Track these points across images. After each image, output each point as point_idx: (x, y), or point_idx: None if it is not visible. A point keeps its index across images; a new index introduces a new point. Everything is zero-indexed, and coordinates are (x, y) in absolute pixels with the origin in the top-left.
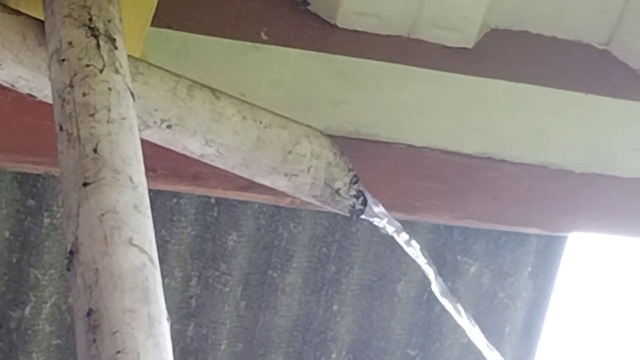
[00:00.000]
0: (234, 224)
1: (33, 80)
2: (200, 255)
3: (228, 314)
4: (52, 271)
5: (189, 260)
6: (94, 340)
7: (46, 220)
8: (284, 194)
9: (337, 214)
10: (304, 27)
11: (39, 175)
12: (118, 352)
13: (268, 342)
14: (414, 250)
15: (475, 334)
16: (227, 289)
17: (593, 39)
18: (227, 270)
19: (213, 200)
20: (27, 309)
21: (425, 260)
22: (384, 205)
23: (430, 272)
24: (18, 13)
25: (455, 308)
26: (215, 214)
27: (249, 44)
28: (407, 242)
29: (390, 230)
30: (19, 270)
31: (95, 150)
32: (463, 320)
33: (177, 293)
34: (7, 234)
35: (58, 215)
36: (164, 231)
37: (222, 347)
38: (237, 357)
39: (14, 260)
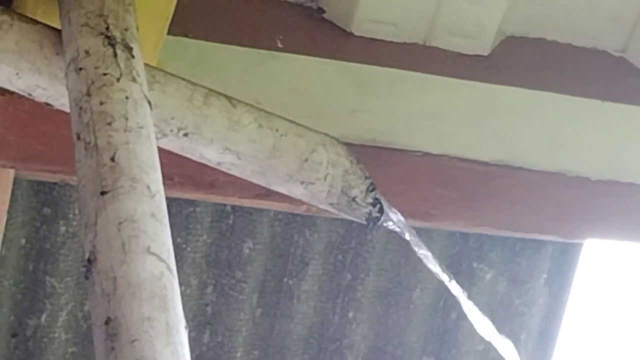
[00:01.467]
0: (249, 232)
1: (50, 89)
2: (216, 263)
3: (244, 322)
4: (68, 279)
5: (205, 268)
6: (113, 349)
7: (62, 229)
8: (300, 202)
9: (352, 221)
10: (320, 35)
11: (55, 183)
12: None
13: (284, 350)
14: (429, 260)
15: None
16: (243, 297)
17: (609, 46)
18: (243, 278)
19: (229, 208)
20: (43, 317)
21: (440, 269)
22: (400, 213)
23: (445, 279)
24: (35, 22)
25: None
26: (231, 222)
27: (265, 52)
28: (424, 252)
29: (408, 237)
30: (35, 278)
31: (112, 159)
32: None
33: (193, 301)
34: (23, 241)
35: (74, 223)
36: (179, 239)
37: (238, 354)
38: None
39: (30, 268)
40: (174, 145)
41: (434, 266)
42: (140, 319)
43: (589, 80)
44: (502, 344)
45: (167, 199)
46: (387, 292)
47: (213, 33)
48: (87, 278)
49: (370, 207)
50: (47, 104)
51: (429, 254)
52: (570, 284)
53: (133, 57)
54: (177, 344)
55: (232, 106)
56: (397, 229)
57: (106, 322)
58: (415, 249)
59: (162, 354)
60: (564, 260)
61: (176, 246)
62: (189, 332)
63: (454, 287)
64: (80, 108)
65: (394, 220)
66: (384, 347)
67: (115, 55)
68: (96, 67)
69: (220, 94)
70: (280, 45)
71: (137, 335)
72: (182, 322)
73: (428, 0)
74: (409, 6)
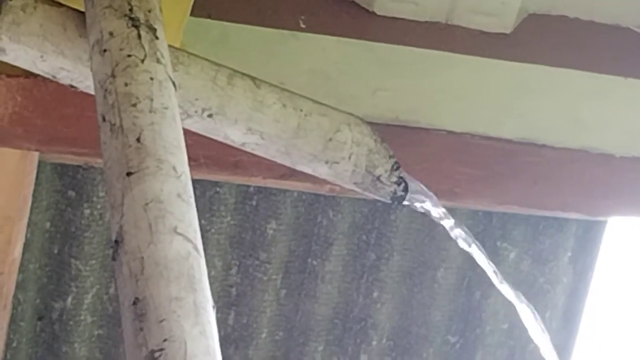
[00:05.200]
0: (273, 213)
1: (74, 71)
2: (240, 244)
3: (268, 303)
4: (93, 262)
5: (229, 249)
6: (141, 329)
7: (86, 211)
8: (323, 182)
9: (376, 201)
10: (342, 15)
11: (79, 166)
12: (165, 340)
13: (308, 330)
14: (460, 235)
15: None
16: (267, 278)
17: (631, 22)
18: (267, 259)
19: (252, 189)
20: (69, 300)
21: (471, 245)
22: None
23: (477, 254)
24: (59, 5)
25: (515, 294)
26: (255, 203)
27: (287, 32)
28: (452, 228)
29: (434, 215)
30: (60, 261)
31: (138, 140)
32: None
33: (217, 282)
34: (47, 225)
35: (98, 206)
36: (203, 221)
37: (263, 335)
38: (277, 346)
39: (55, 251)
40: (198, 126)
41: (464, 242)
42: (168, 298)
43: (612, 57)
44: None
45: (191, 180)
46: (411, 272)
47: (235, 14)
48: (114, 259)
49: (395, 186)
50: (72, 86)
51: (460, 230)
52: (595, 262)
53: (157, 38)
54: (205, 323)
55: (256, 86)
56: (423, 208)
57: (134, 303)
58: (443, 225)
59: (190, 334)
60: (588, 238)
61: (200, 228)
62: None
63: (488, 268)
64: (105, 90)
65: (420, 198)
66: (409, 326)
67: (139, 36)
68: (120, 49)
69: (244, 74)
70: (302, 26)
71: (165, 315)
72: (210, 302)
73: None
74: None
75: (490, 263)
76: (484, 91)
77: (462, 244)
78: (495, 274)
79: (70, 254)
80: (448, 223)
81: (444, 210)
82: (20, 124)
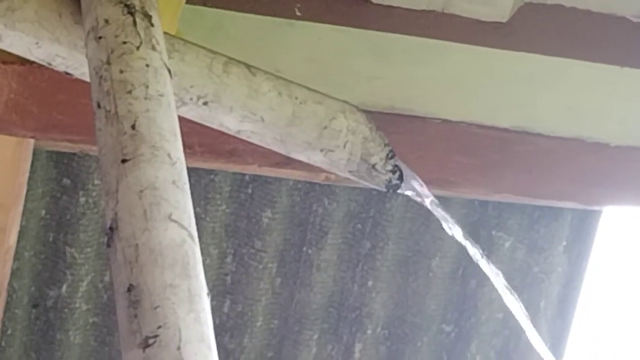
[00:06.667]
0: (268, 201)
1: (70, 58)
2: (235, 233)
3: (263, 291)
4: (88, 249)
5: (224, 237)
6: (136, 316)
7: (82, 199)
8: (319, 170)
9: (371, 190)
10: (338, 3)
11: (74, 154)
12: (159, 327)
13: (303, 319)
14: (451, 227)
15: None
16: (262, 266)
17: (627, 11)
18: (262, 248)
19: (247, 178)
20: (64, 287)
21: (463, 236)
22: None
23: (467, 245)
24: None
25: (507, 288)
26: (250, 191)
27: (283, 20)
28: (444, 218)
29: (427, 204)
30: (55, 249)
31: (133, 127)
32: (511, 299)
33: (212, 270)
34: (43, 212)
35: (94, 194)
36: (198, 209)
37: (258, 323)
38: (272, 334)
39: (50, 239)
40: (193, 113)
41: (453, 230)
42: (163, 285)
43: (608, 47)
44: (518, 307)
45: (186, 168)
46: (406, 261)
47: (231, 1)
48: (108, 246)
49: (390, 174)
50: (67, 73)
51: (451, 220)
52: (590, 251)
53: (152, 25)
54: (200, 310)
55: (251, 74)
56: (417, 197)
57: (128, 290)
58: (436, 214)
59: (184, 321)
60: (583, 227)
61: (195, 216)
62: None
63: (479, 257)
64: (101, 77)
65: (415, 187)
66: (404, 315)
67: (134, 23)
68: (116, 36)
69: (239, 62)
70: (298, 14)
71: (160, 302)
72: (205, 289)
73: None
74: None
75: (482, 254)
76: (479, 80)
77: (455, 234)
78: (488, 262)
79: (66, 242)
80: (440, 212)
81: (436, 199)
82: (16, 111)
